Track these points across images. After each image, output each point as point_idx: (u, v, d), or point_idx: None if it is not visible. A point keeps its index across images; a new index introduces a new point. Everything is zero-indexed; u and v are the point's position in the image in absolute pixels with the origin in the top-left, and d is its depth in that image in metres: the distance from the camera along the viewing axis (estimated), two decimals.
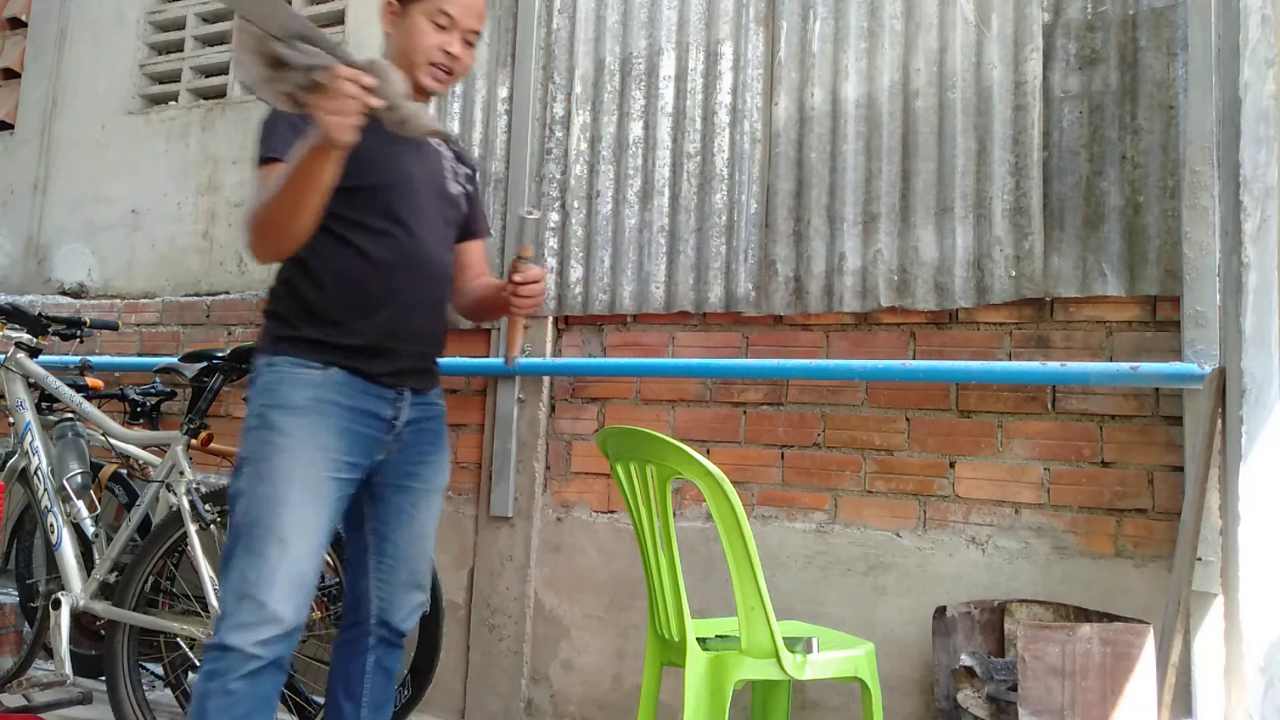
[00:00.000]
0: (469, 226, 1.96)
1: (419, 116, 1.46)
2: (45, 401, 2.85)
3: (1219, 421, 2.00)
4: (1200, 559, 2.00)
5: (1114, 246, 2.26)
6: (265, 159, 1.65)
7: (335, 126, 1.36)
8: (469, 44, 1.76)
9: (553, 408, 2.90)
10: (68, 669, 2.50)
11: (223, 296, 3.57)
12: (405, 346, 1.75)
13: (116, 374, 3.52)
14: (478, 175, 2.05)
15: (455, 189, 1.88)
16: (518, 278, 1.71)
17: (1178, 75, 2.22)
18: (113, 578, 2.52)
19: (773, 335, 2.64)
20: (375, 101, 1.38)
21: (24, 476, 2.73)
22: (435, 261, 1.79)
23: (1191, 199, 2.15)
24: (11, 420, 2.76)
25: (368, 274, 1.70)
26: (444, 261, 1.83)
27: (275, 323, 1.73)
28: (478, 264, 2.00)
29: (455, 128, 3.09)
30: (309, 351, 1.68)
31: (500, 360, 2.89)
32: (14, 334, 2.81)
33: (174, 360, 2.79)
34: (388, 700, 1.87)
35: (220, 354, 2.60)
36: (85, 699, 2.81)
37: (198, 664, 2.37)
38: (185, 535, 2.36)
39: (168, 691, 2.74)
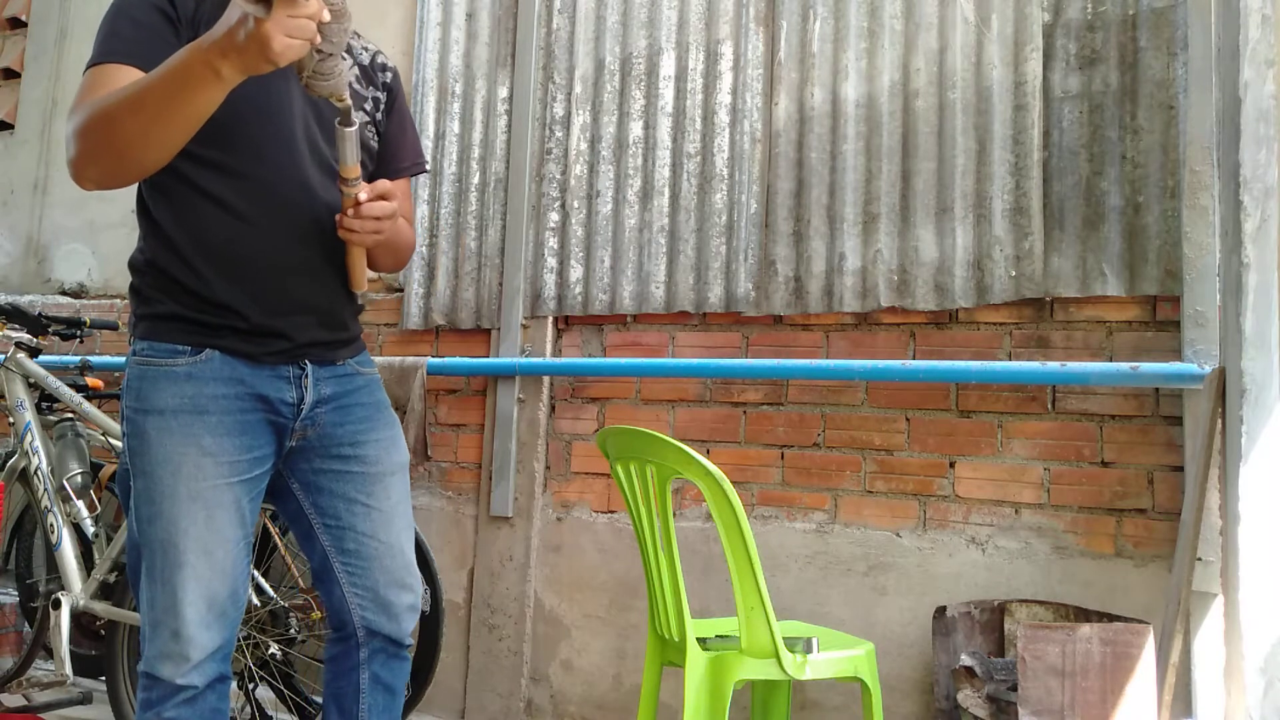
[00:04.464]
0: (381, 163, 1.62)
1: (341, 77, 1.22)
2: (45, 401, 2.85)
3: (1219, 421, 2.00)
4: (1200, 559, 2.00)
5: (1114, 246, 2.26)
6: (100, 60, 1.34)
7: (280, 46, 1.09)
8: None
9: (553, 408, 2.90)
10: (68, 669, 2.50)
11: None
12: (294, 318, 1.48)
13: (116, 374, 3.52)
14: (396, 97, 1.66)
15: (357, 118, 1.51)
16: (349, 204, 1.41)
17: (1178, 75, 2.22)
18: (113, 578, 2.52)
19: (773, 335, 2.64)
20: (319, 40, 1.15)
21: (24, 476, 2.73)
22: (323, 210, 1.48)
23: (1191, 199, 2.15)
24: (11, 420, 2.76)
25: (230, 230, 1.42)
26: (336, 209, 1.49)
27: (134, 299, 1.49)
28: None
29: (455, 128, 3.09)
30: (174, 333, 1.43)
31: (500, 360, 2.89)
32: (14, 334, 2.81)
33: None
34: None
35: None
36: (85, 699, 2.81)
37: None
38: None
39: None
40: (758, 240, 2.65)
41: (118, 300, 3.80)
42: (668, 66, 2.81)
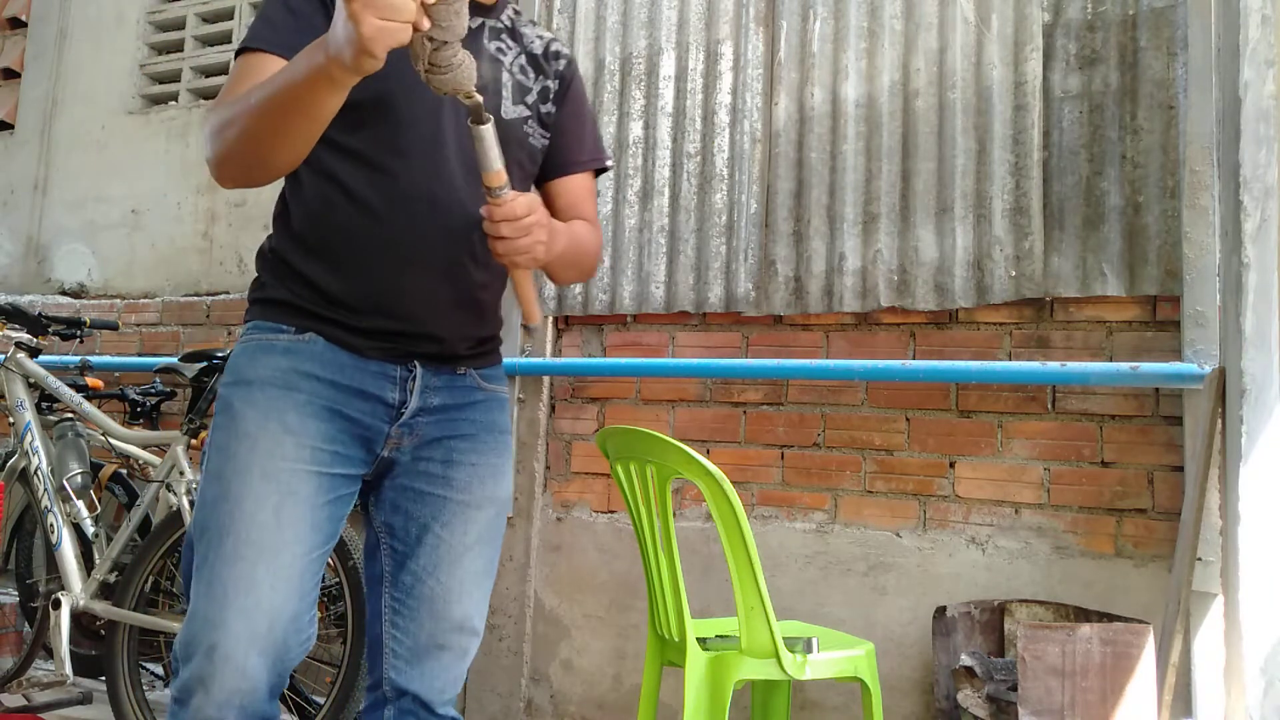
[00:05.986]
0: (553, 157, 1.46)
1: (463, 68, 1.08)
2: (45, 401, 2.85)
3: (1219, 421, 2.00)
4: (1200, 559, 2.00)
5: (1114, 246, 2.26)
6: (249, 46, 1.28)
7: (374, 32, 0.98)
8: None
9: (553, 408, 2.90)
10: (68, 669, 2.50)
11: (223, 296, 3.57)
12: (410, 319, 1.34)
13: (116, 374, 3.52)
14: (570, 85, 1.49)
15: (515, 112, 1.39)
16: (484, 212, 1.23)
17: (1178, 75, 2.22)
18: (113, 578, 2.52)
19: (773, 335, 2.64)
20: (426, 24, 1.02)
21: (24, 476, 2.73)
22: (469, 215, 1.31)
23: (1191, 199, 2.15)
24: (11, 420, 2.76)
25: (355, 220, 1.32)
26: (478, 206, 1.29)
27: (251, 288, 1.40)
28: (570, 207, 1.47)
29: None
30: (281, 314, 1.33)
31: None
32: (14, 334, 2.81)
33: (174, 360, 2.79)
34: None
35: (220, 354, 2.61)
36: (85, 699, 2.81)
37: None
38: (185, 535, 2.36)
39: (168, 691, 2.74)
40: (758, 240, 2.65)
41: (118, 300, 3.80)
42: (668, 66, 2.81)
